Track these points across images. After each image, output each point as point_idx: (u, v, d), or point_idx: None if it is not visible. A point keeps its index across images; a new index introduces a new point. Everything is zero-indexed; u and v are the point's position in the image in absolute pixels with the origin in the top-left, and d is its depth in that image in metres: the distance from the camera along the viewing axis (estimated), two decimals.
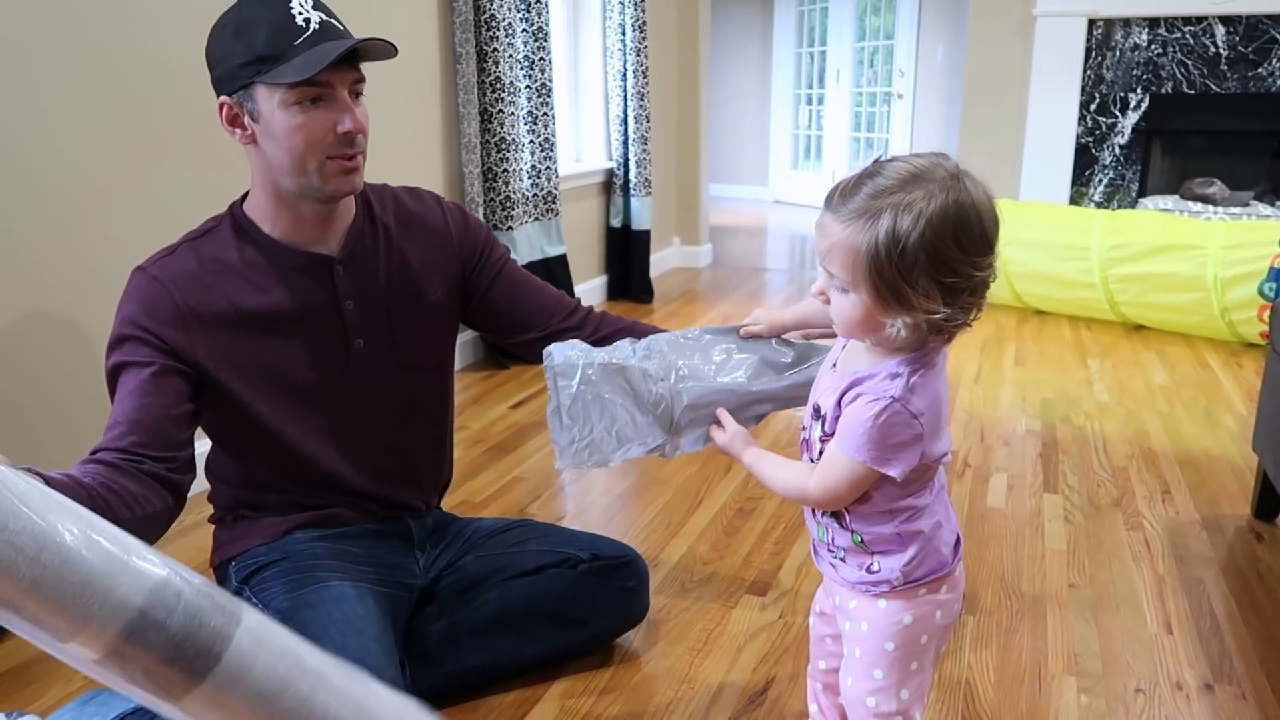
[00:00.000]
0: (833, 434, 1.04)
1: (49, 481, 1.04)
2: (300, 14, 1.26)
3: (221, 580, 1.46)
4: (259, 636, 0.53)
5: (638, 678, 1.56)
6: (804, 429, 1.12)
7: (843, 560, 1.11)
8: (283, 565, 1.40)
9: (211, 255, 1.36)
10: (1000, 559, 1.96)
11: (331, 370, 1.43)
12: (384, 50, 1.30)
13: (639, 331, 1.50)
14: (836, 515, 1.09)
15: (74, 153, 1.94)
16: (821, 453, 1.06)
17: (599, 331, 1.56)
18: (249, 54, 1.25)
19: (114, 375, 1.28)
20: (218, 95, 1.31)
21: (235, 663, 0.51)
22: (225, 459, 1.46)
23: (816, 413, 1.08)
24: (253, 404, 1.38)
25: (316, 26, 1.26)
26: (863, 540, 1.07)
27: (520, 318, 1.57)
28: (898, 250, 0.92)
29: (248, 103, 1.28)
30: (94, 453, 1.18)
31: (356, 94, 1.32)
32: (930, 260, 0.92)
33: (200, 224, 1.41)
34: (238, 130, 1.32)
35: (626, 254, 4.43)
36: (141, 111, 2.07)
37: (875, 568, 1.08)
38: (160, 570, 0.50)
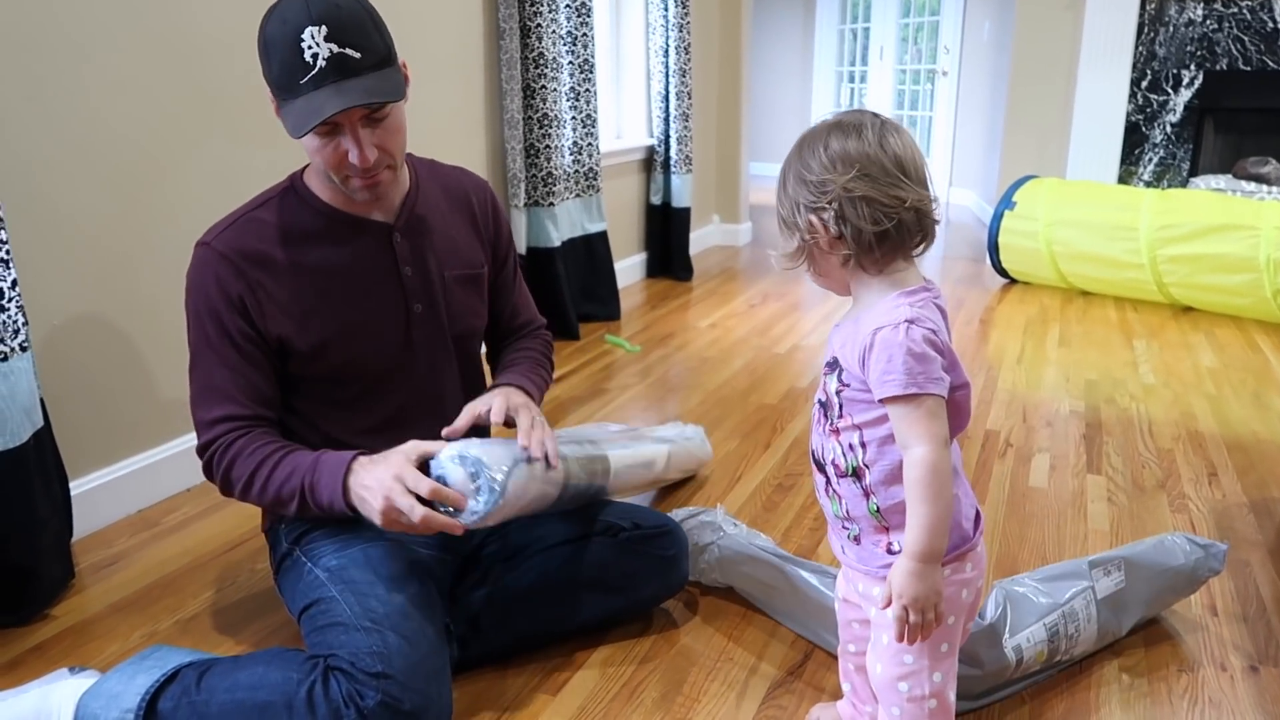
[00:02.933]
0: (848, 385, 1.07)
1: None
2: (309, 48, 1.24)
3: (273, 543, 1.50)
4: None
5: (677, 647, 1.58)
6: (820, 396, 1.13)
7: (856, 541, 1.12)
8: (331, 526, 1.43)
9: (272, 222, 1.40)
10: (1042, 538, 1.95)
11: (395, 333, 1.48)
12: (389, 95, 1.29)
13: (521, 369, 1.61)
14: (856, 475, 1.09)
15: (129, 126, 1.98)
16: (841, 407, 1.09)
17: (500, 358, 1.69)
18: (270, 77, 1.30)
19: (199, 350, 1.38)
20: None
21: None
22: (284, 423, 1.49)
23: (832, 366, 1.11)
24: (318, 361, 1.42)
25: (324, 64, 1.25)
26: (879, 510, 1.08)
27: (499, 317, 1.68)
28: (780, 180, 1.12)
29: (281, 110, 1.32)
30: (240, 426, 1.37)
31: (375, 120, 1.32)
32: (795, 182, 1.09)
33: (258, 194, 1.45)
34: (280, 117, 1.34)
35: (666, 231, 4.43)
36: (194, 85, 2.10)
37: (895, 547, 1.08)
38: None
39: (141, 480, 2.08)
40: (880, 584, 1.10)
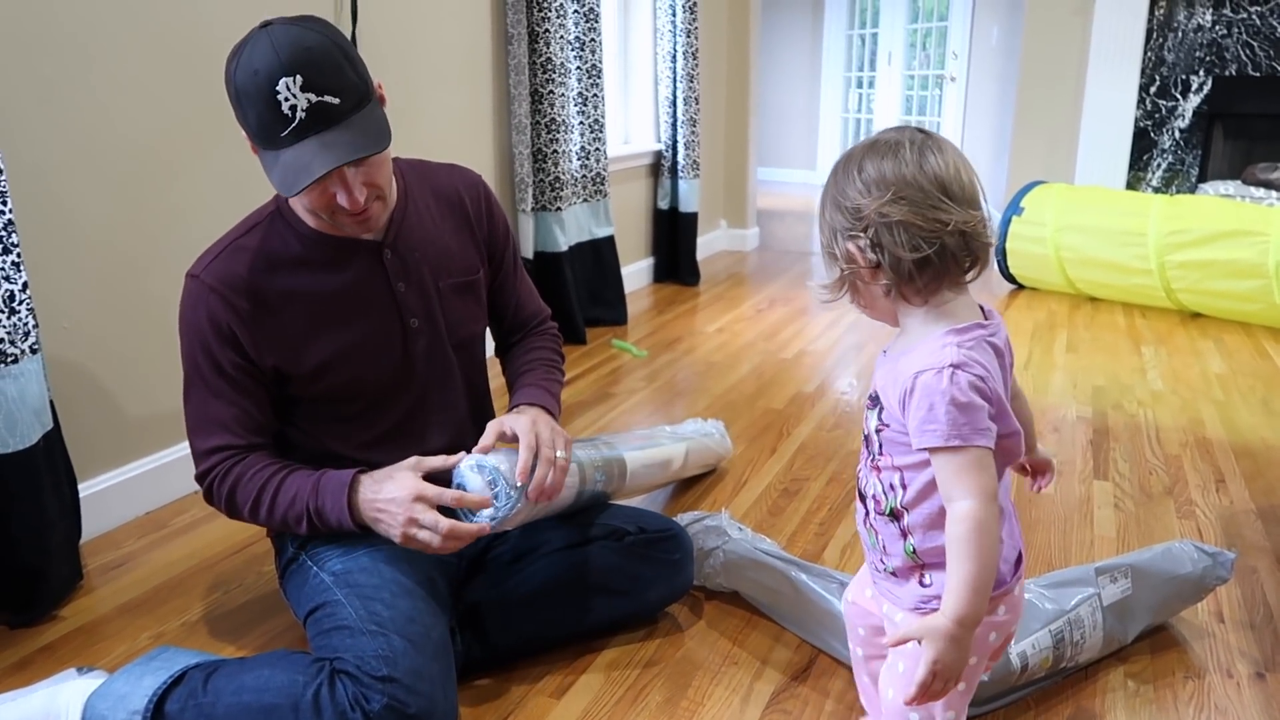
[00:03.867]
0: (889, 425, 1.02)
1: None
2: (286, 100, 1.21)
3: (278, 547, 1.51)
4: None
5: (682, 652, 1.58)
6: (865, 428, 1.09)
7: (894, 576, 1.07)
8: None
9: (261, 250, 1.39)
10: (1048, 544, 1.95)
11: (392, 350, 1.47)
12: (376, 145, 1.27)
13: (532, 378, 1.61)
14: (895, 516, 1.04)
15: (139, 130, 2.00)
16: (881, 446, 1.04)
17: (512, 362, 1.68)
18: (247, 126, 1.26)
19: (192, 381, 1.39)
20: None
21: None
22: (283, 434, 1.50)
23: (874, 401, 1.06)
24: (317, 383, 1.43)
25: (303, 115, 1.22)
26: (915, 550, 1.04)
27: (504, 314, 1.68)
28: (819, 208, 1.08)
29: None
30: (235, 453, 1.38)
31: (360, 160, 1.28)
32: (832, 208, 1.03)
33: (245, 219, 1.43)
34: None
35: (674, 236, 4.44)
36: (204, 90, 2.12)
37: (927, 581, 1.04)
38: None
39: (150, 482, 2.09)
40: (907, 613, 1.06)
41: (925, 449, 0.96)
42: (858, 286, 1.04)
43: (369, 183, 1.32)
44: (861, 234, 0.99)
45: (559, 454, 1.41)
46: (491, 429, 1.42)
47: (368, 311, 1.44)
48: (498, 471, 1.34)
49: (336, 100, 1.23)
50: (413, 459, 1.39)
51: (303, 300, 1.40)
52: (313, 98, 1.21)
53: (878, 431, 1.04)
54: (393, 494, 1.32)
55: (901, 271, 0.99)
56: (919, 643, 0.97)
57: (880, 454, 1.04)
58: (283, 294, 1.39)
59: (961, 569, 0.94)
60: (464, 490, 1.35)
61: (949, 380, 0.94)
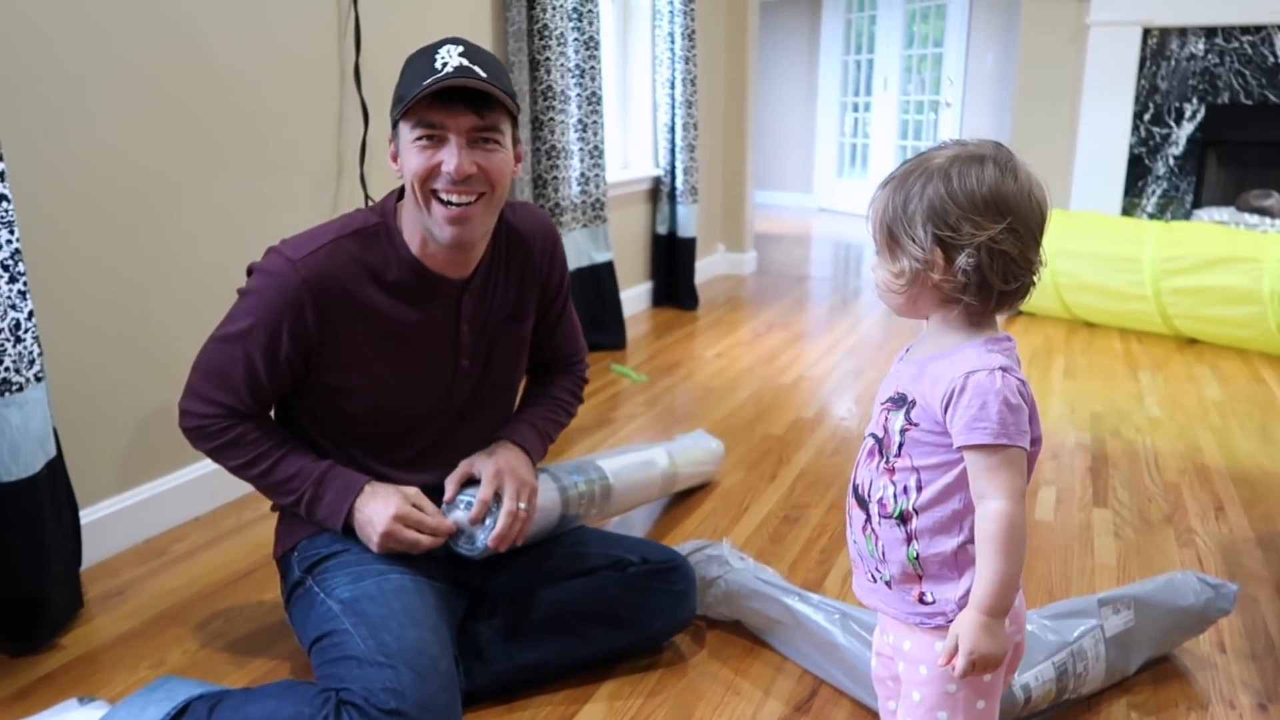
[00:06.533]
0: (917, 424, 1.02)
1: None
2: (441, 60, 1.32)
3: (284, 570, 1.51)
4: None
5: (685, 681, 1.58)
6: (875, 431, 1.08)
7: (888, 586, 1.07)
8: (344, 557, 1.44)
9: (360, 259, 1.41)
10: (1049, 572, 1.95)
11: (438, 387, 1.51)
12: (503, 99, 1.35)
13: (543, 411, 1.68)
14: (903, 519, 1.04)
15: (142, 159, 2.01)
16: (901, 447, 1.03)
17: (527, 391, 1.74)
18: (395, 97, 1.37)
19: (232, 338, 1.39)
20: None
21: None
22: (306, 435, 1.52)
23: (899, 402, 1.05)
24: (352, 407, 1.46)
25: (450, 70, 1.31)
26: (918, 557, 1.04)
27: (539, 350, 1.69)
28: (903, 199, 1.00)
29: (396, 140, 1.39)
30: (239, 416, 1.41)
31: (481, 140, 1.36)
32: (929, 210, 0.98)
33: (349, 217, 1.45)
34: (394, 166, 1.41)
35: (672, 261, 4.46)
36: (200, 123, 2.13)
37: (929, 598, 1.04)
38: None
39: (149, 509, 2.08)
40: (912, 636, 1.06)
41: (970, 446, 0.97)
42: (918, 284, 1.01)
43: (481, 166, 1.36)
44: (962, 247, 0.97)
45: (520, 505, 1.48)
46: (457, 475, 1.50)
47: (429, 347, 1.48)
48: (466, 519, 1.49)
49: (484, 74, 1.33)
50: (414, 490, 1.47)
51: (376, 320, 1.42)
52: (465, 62, 1.33)
53: (903, 431, 1.04)
54: (379, 511, 1.42)
55: (984, 295, 0.99)
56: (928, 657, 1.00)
57: (898, 455, 1.04)
58: (361, 308, 1.41)
59: (992, 565, 0.97)
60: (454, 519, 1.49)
61: (1001, 381, 0.97)
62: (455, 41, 1.36)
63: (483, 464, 1.50)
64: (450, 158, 1.33)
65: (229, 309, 1.43)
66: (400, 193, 1.46)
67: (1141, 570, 1.96)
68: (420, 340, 1.47)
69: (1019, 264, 0.98)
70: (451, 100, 1.32)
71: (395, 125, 1.39)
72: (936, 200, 0.98)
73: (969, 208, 0.97)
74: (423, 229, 1.41)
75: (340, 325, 1.40)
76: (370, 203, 2.57)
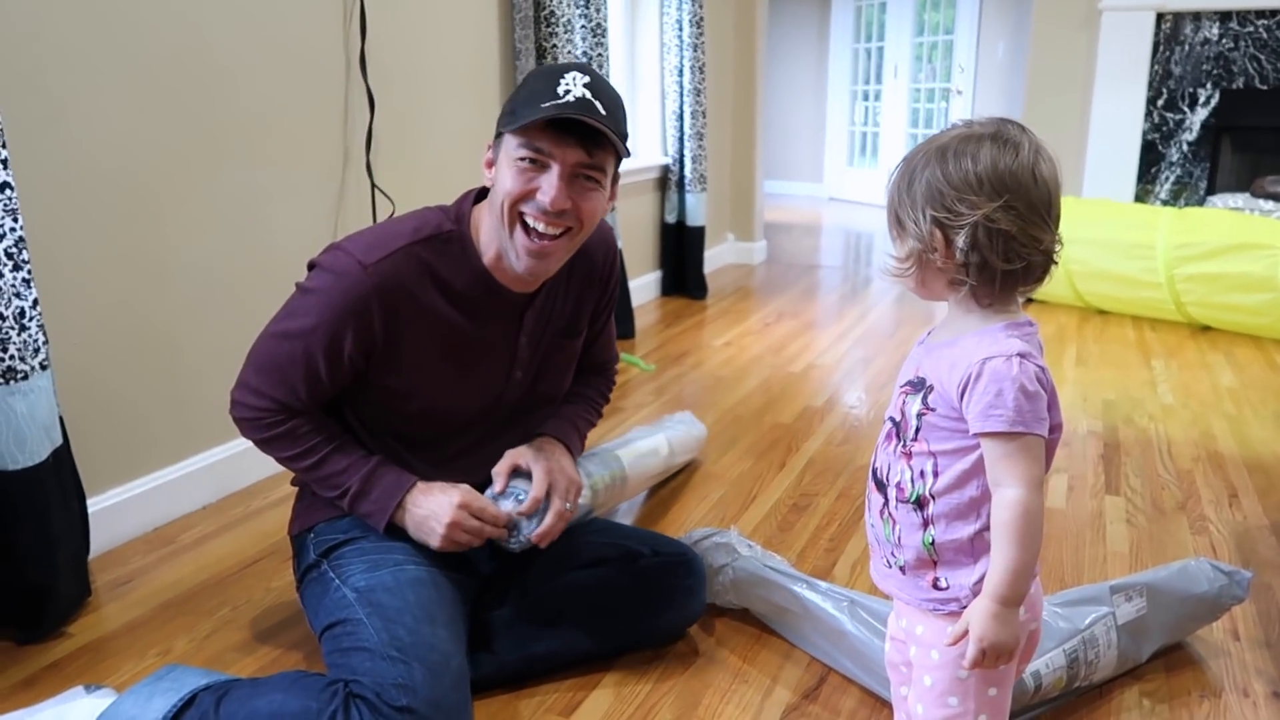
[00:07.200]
0: (934, 409, 1.00)
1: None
2: (564, 87, 1.28)
3: (299, 551, 1.50)
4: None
5: (692, 669, 1.57)
6: (894, 414, 1.06)
7: (901, 572, 1.06)
8: (361, 544, 1.43)
9: (431, 268, 1.38)
10: (1060, 560, 1.93)
11: (489, 396, 1.50)
12: (615, 141, 1.32)
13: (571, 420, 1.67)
14: (919, 504, 1.02)
15: (149, 146, 2.00)
16: (919, 431, 1.02)
17: (568, 398, 1.70)
18: (513, 101, 1.33)
19: (293, 335, 1.36)
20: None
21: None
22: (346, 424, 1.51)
23: (917, 386, 1.03)
24: (401, 408, 1.45)
25: (572, 99, 1.28)
26: (934, 543, 1.02)
27: (581, 356, 1.68)
28: (908, 182, 1.00)
29: (497, 149, 1.36)
30: (294, 412, 1.39)
31: (583, 177, 1.33)
32: (927, 191, 0.98)
33: (422, 218, 1.42)
34: (488, 172, 1.38)
35: (680, 250, 4.44)
36: (197, 117, 2.12)
37: (943, 584, 1.03)
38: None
39: (158, 498, 2.09)
40: (925, 621, 1.05)
41: (985, 433, 0.96)
42: (924, 265, 1.01)
43: (576, 204, 1.34)
44: (959, 228, 0.96)
45: (567, 505, 1.48)
46: (504, 466, 1.49)
47: (486, 357, 1.47)
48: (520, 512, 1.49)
49: (604, 111, 1.30)
50: (465, 486, 1.46)
51: (438, 327, 1.41)
52: (588, 94, 1.29)
53: (919, 416, 1.02)
54: (441, 503, 1.41)
55: (986, 276, 0.98)
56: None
57: (915, 439, 1.03)
58: (426, 314, 1.39)
59: (1006, 554, 0.96)
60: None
61: (1018, 367, 0.95)
62: (583, 70, 1.32)
63: (531, 460, 1.49)
64: (549, 188, 1.31)
65: (287, 302, 1.40)
66: (478, 194, 1.44)
67: (1154, 558, 1.94)
68: (479, 350, 1.46)
69: (1020, 242, 0.96)
70: (564, 130, 1.29)
71: (500, 135, 1.35)
72: (934, 182, 0.97)
73: (963, 188, 0.96)
74: (499, 244, 1.39)
75: (405, 331, 1.38)
76: (378, 190, 2.56)
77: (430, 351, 1.42)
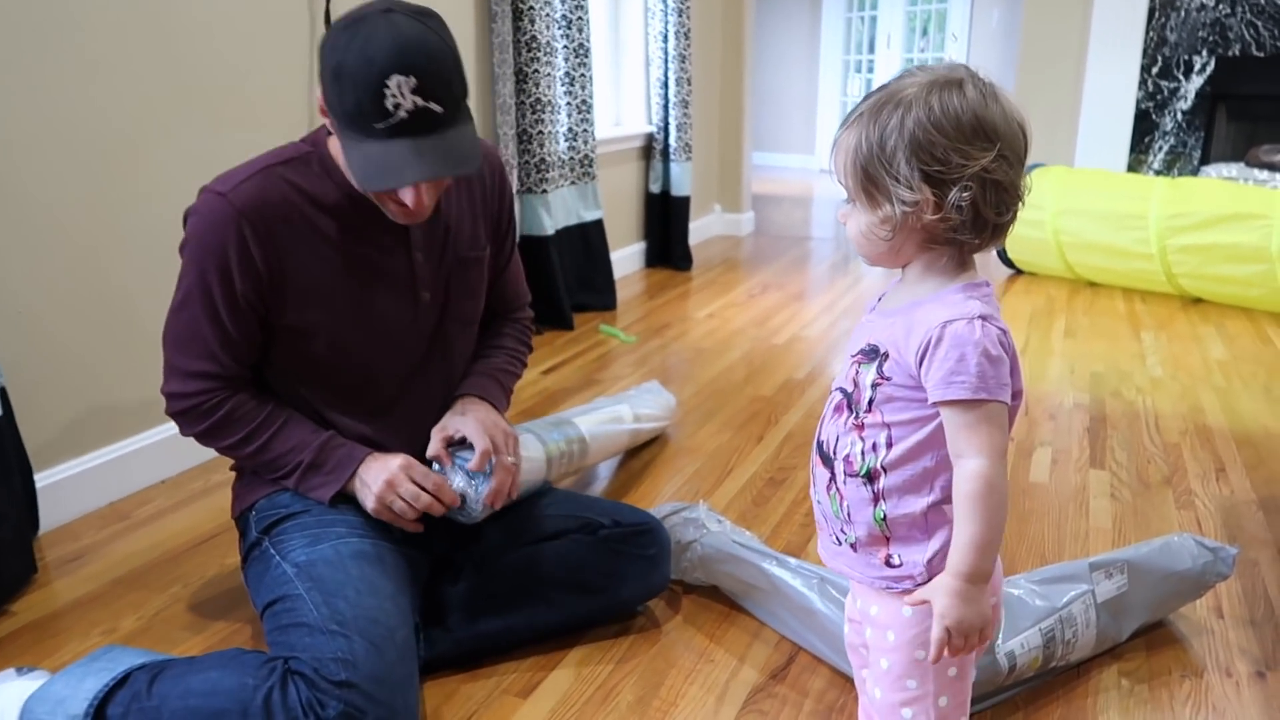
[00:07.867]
0: (889, 379, 0.93)
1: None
2: (393, 97, 1.17)
3: (242, 529, 1.44)
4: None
5: (656, 648, 1.51)
6: (844, 385, 0.99)
7: (852, 549, 1.00)
8: (303, 518, 1.37)
9: (298, 185, 1.32)
10: (1041, 536, 1.88)
11: (400, 324, 1.42)
12: (467, 165, 1.25)
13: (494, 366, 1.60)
14: (870, 478, 0.96)
15: (102, 111, 1.92)
16: (872, 402, 0.95)
17: (482, 351, 1.62)
18: (339, 105, 1.21)
19: (192, 297, 1.30)
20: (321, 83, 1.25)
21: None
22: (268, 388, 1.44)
23: (870, 355, 0.96)
24: (309, 348, 1.37)
25: (405, 116, 1.18)
26: (885, 518, 0.96)
27: (487, 292, 1.59)
28: (878, 136, 0.90)
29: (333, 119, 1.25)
30: (225, 384, 1.34)
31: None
32: (911, 144, 0.88)
33: (276, 150, 1.35)
34: (326, 121, 1.28)
35: (666, 220, 4.36)
36: (170, 70, 2.04)
37: (896, 560, 0.97)
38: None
39: (113, 472, 2.02)
40: (880, 601, 1.00)
41: (946, 401, 0.89)
42: (903, 228, 0.92)
43: (440, 190, 1.30)
44: (953, 181, 0.88)
45: (509, 459, 1.43)
46: (438, 436, 1.43)
47: (385, 279, 1.39)
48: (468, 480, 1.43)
49: (440, 110, 1.20)
50: (404, 457, 1.40)
51: (321, 248, 1.33)
52: (419, 101, 1.18)
53: (874, 386, 0.95)
54: (386, 466, 1.36)
55: (979, 230, 0.90)
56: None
57: (869, 410, 0.96)
58: (303, 234, 1.32)
59: (970, 528, 0.90)
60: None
61: (980, 331, 0.88)
62: (400, 51, 1.16)
63: (460, 423, 1.43)
64: (409, 197, 1.25)
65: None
66: (327, 132, 1.36)
67: (1138, 533, 1.88)
68: (373, 271, 1.38)
69: (1010, 192, 0.90)
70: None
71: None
72: (919, 131, 0.88)
73: (956, 136, 0.87)
74: None
75: (287, 255, 1.31)
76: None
77: (319, 273, 1.34)
